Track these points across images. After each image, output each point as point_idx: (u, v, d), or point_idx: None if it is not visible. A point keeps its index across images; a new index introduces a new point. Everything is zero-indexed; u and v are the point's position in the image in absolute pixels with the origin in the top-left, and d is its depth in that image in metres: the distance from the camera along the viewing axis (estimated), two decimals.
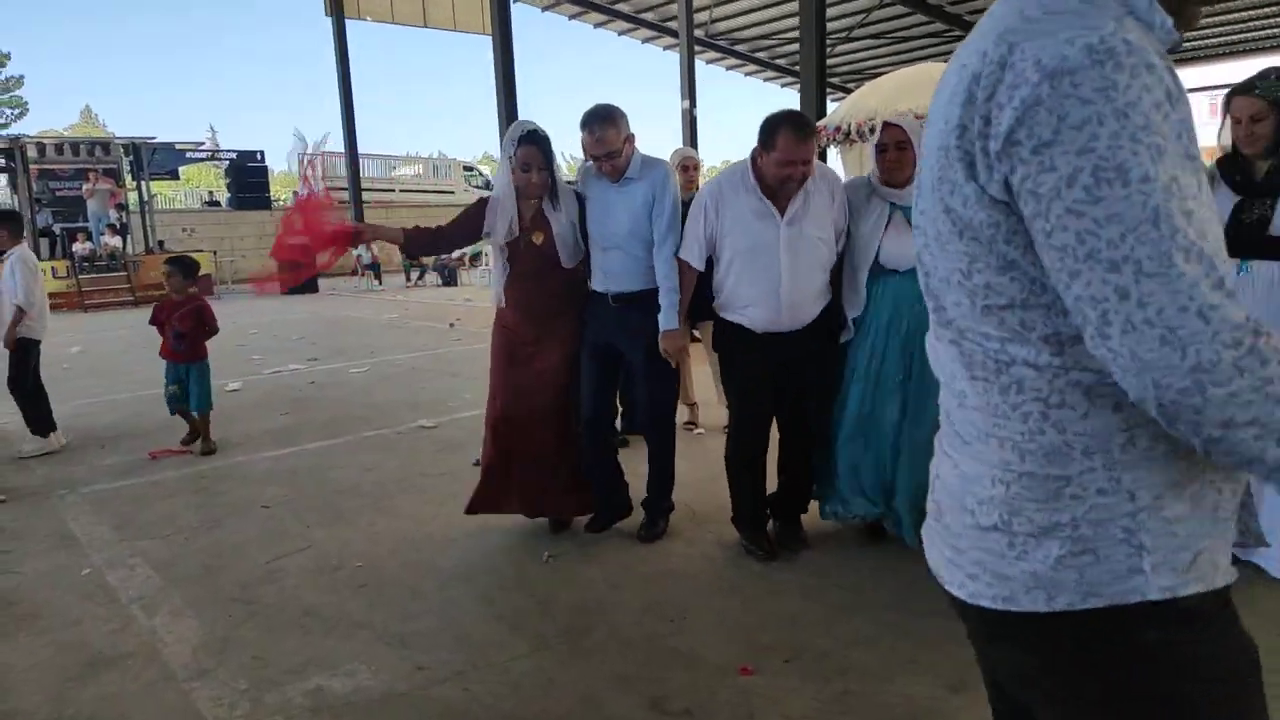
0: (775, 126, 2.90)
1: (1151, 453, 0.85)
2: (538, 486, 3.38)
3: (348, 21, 19.25)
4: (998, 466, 0.91)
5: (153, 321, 5.19)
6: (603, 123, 3.14)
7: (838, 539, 3.32)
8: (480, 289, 17.32)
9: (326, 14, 19.17)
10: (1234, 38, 17.07)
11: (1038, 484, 0.88)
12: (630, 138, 3.21)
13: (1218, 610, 0.87)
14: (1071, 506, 0.87)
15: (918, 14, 16.23)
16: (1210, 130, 2.87)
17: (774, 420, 3.25)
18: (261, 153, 21.24)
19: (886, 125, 3.02)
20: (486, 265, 18.85)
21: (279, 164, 25.41)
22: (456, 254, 18.91)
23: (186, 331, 5.07)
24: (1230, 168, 2.79)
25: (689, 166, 4.94)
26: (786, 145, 2.86)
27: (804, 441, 3.23)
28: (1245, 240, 2.71)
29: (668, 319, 3.19)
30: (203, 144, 23.26)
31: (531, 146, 3.21)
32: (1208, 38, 17.14)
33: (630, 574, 3.07)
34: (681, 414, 5.11)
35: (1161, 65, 0.79)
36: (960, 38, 17.17)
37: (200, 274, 18.12)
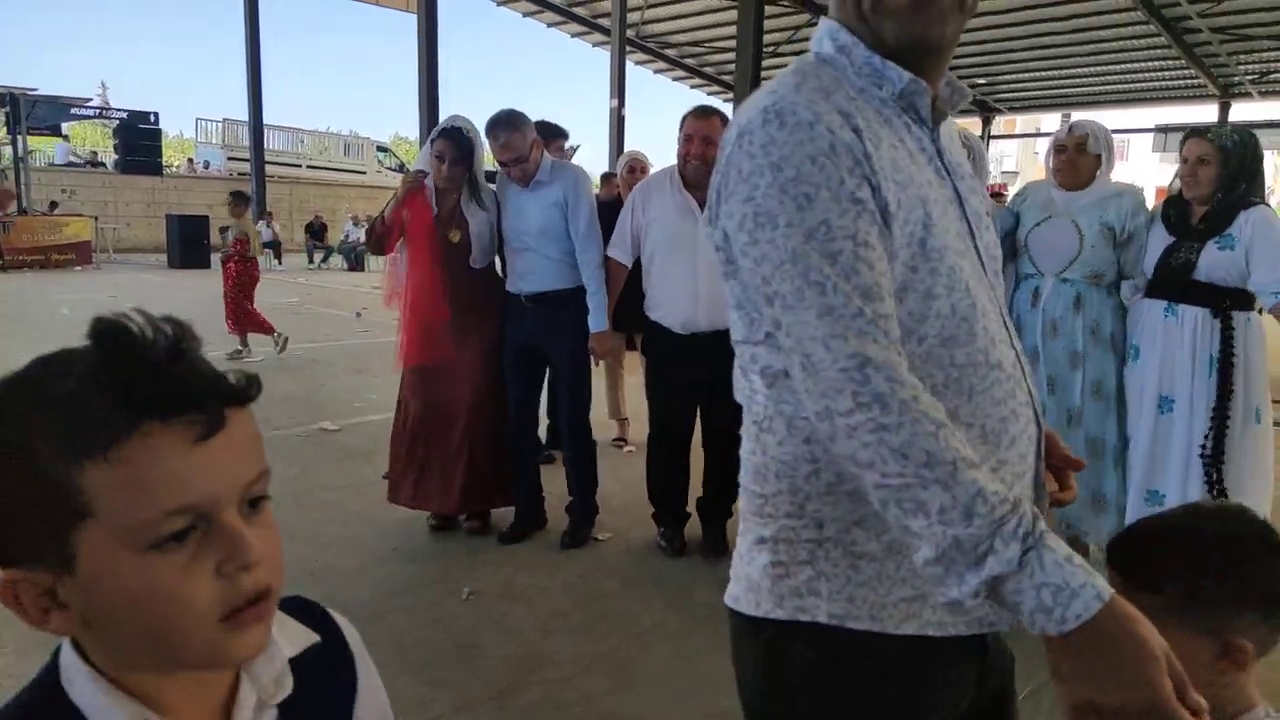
0: (684, 115, 3.20)
1: (837, 487, 0.90)
2: (450, 480, 3.36)
3: None
4: (742, 478, 1.00)
5: None
6: (507, 128, 3.16)
7: None
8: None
9: None
10: (1124, 87, 18.04)
11: (750, 498, 0.98)
12: (537, 142, 3.25)
13: (897, 657, 0.90)
14: (769, 524, 0.94)
15: None
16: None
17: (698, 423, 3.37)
18: (155, 114, 19.89)
19: None
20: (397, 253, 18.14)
21: (174, 128, 23.89)
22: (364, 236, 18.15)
23: None
24: (1171, 207, 2.85)
25: (635, 169, 4.73)
26: (690, 124, 3.13)
27: (727, 447, 3.21)
28: (1170, 282, 2.77)
29: (597, 320, 3.27)
30: (90, 100, 21.55)
31: (447, 140, 3.24)
32: (1111, 84, 18.07)
33: (563, 619, 2.77)
34: (611, 430, 4.87)
35: (830, 122, 0.85)
36: None
37: (79, 240, 16.80)
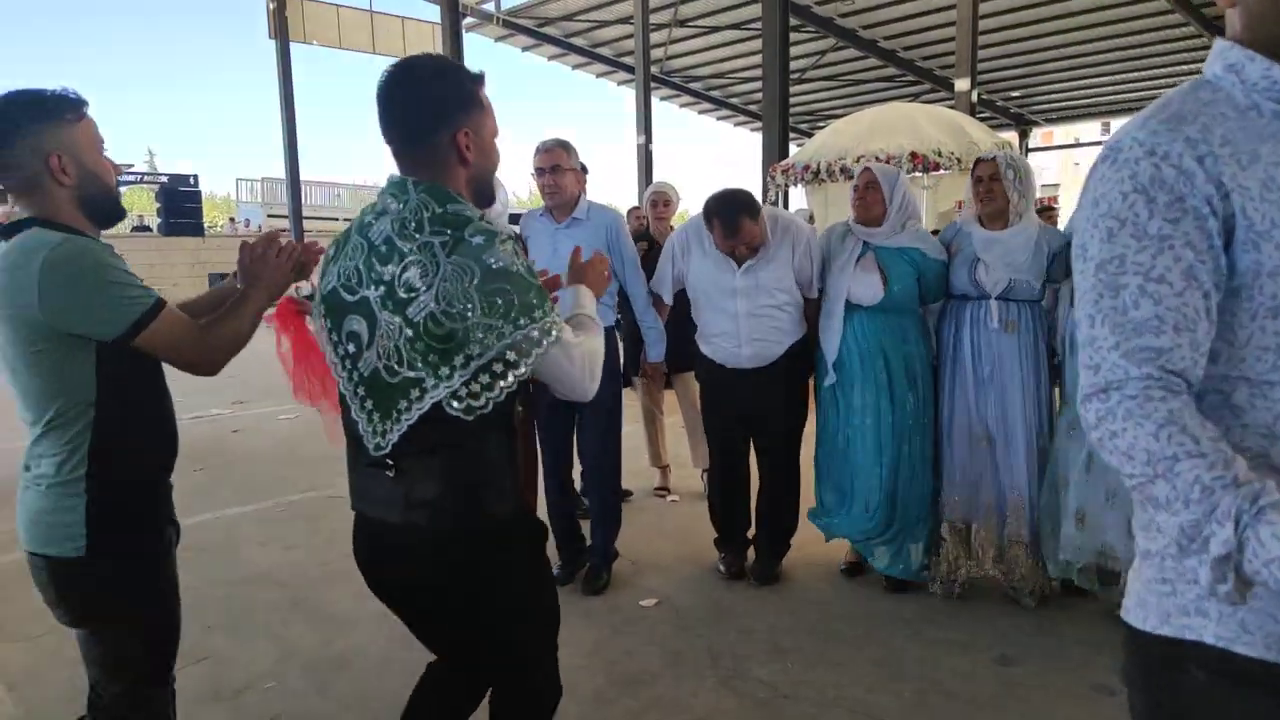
0: (710, 215, 3.10)
1: None
2: None
3: (293, 45, 18.61)
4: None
5: None
6: (552, 146, 3.22)
7: (867, 624, 2.82)
8: None
9: (270, 37, 18.49)
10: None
11: (1139, 511, 0.99)
12: (579, 176, 3.26)
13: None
14: (1157, 539, 0.95)
15: (871, 58, 16.30)
16: None
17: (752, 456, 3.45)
18: (195, 176, 20.28)
19: (864, 169, 3.23)
20: None
21: (219, 188, 24.50)
22: None
23: None
24: None
25: (658, 202, 4.57)
26: (717, 237, 3.10)
27: (781, 483, 3.38)
28: None
29: (656, 350, 3.50)
30: (132, 166, 22.18)
31: None
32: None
33: (607, 707, 2.49)
34: (653, 479, 4.61)
35: (1166, 154, 0.90)
36: (913, 83, 17.33)
37: None
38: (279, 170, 20.33)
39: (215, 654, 2.88)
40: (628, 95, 16.34)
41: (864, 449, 3.17)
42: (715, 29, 15.50)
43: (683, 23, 15.30)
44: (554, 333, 1.40)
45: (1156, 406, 0.86)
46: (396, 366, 1.38)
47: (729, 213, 3.05)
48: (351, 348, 1.45)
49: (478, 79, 1.48)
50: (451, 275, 1.33)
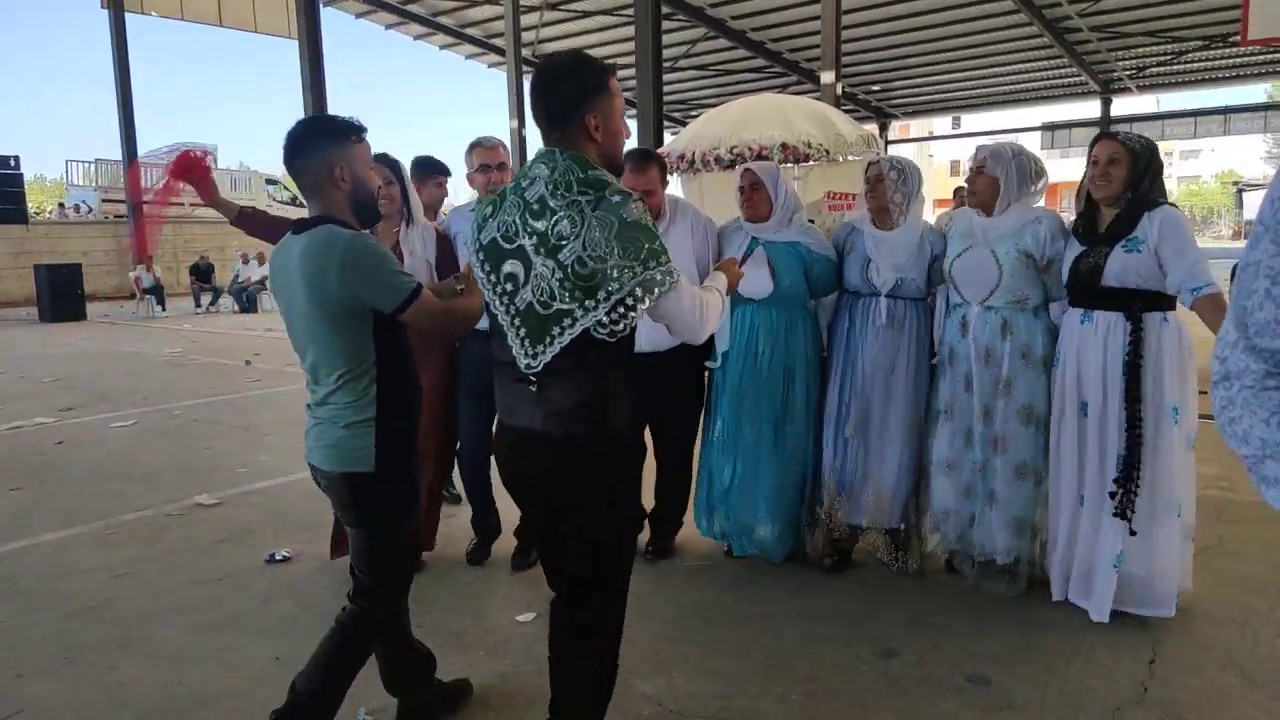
0: (626, 156, 3.11)
1: None
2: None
3: (129, 16, 17.13)
4: None
5: None
6: (496, 143, 3.38)
7: (751, 625, 2.74)
8: None
9: (103, 7, 16.97)
10: (1013, 88, 18.62)
11: None
12: (512, 169, 3.27)
13: None
14: None
15: (740, 49, 16.53)
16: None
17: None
18: (16, 158, 18.34)
19: (744, 170, 3.30)
20: None
21: (51, 171, 22.30)
22: (256, 277, 17.13)
23: None
24: (1080, 220, 2.87)
25: None
26: (628, 177, 3.07)
27: (674, 464, 3.49)
28: (1082, 289, 2.80)
29: None
30: None
31: (380, 164, 3.16)
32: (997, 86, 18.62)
33: None
34: None
35: None
36: (780, 74, 17.68)
37: None
38: (115, 151, 18.72)
39: (32, 705, 2.50)
40: (498, 78, 15.91)
41: (749, 439, 3.25)
42: (587, 14, 15.29)
43: (554, 6, 15.00)
44: (674, 275, 1.72)
45: (1271, 395, 0.97)
46: (549, 301, 1.70)
47: (639, 152, 3.19)
48: (509, 286, 1.77)
49: (608, 70, 1.80)
50: (596, 226, 1.66)
